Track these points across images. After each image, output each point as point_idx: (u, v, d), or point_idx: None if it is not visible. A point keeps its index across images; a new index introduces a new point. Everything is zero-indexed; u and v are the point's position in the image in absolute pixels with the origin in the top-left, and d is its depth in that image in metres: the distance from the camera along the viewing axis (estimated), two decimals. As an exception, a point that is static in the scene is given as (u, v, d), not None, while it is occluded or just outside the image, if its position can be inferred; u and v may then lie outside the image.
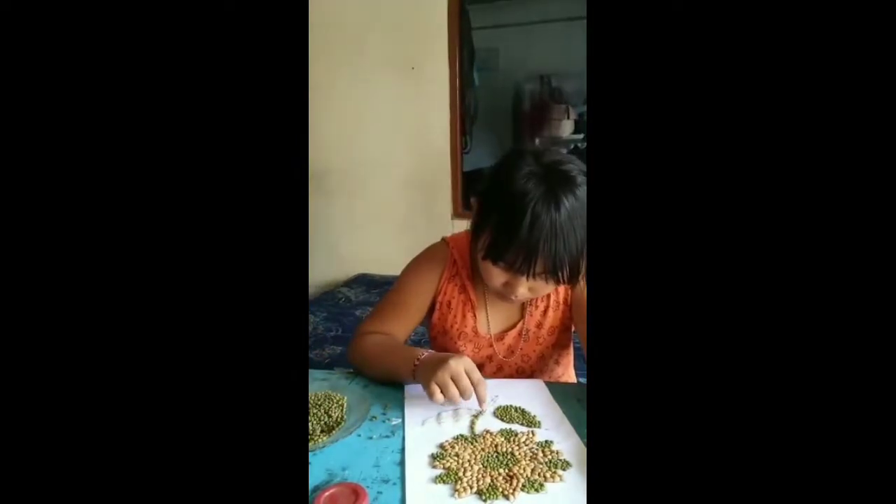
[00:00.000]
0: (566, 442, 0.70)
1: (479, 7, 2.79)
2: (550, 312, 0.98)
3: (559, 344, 1.02)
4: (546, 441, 0.70)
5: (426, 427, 0.74)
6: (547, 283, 0.83)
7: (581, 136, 2.86)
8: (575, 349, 1.09)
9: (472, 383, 0.75)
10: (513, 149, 0.89)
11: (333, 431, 0.73)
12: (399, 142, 2.93)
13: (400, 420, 0.76)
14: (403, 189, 2.98)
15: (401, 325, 0.98)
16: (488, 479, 0.61)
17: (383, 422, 0.76)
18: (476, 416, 0.76)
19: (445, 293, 0.99)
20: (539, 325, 0.99)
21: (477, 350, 0.99)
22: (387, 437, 0.72)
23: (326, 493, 0.57)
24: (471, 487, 0.60)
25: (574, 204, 0.77)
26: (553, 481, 0.61)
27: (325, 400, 0.80)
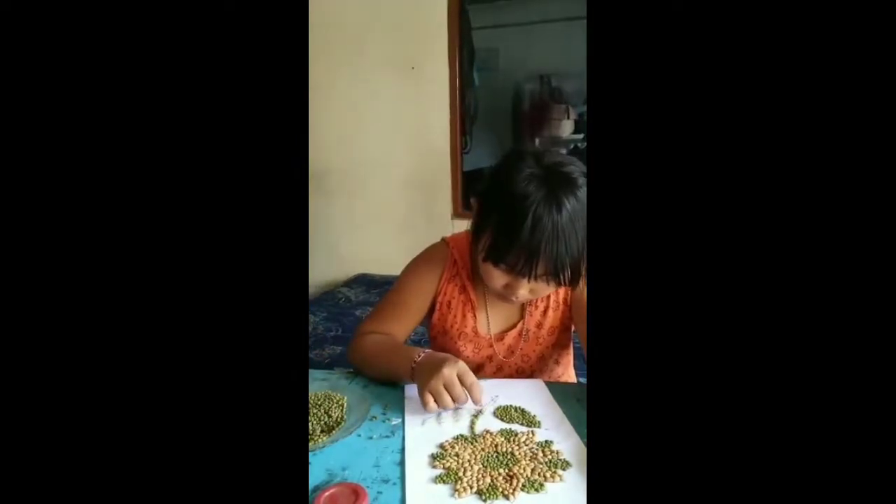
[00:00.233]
0: (566, 442, 0.70)
1: (479, 7, 2.79)
2: (550, 312, 0.98)
3: (559, 344, 1.02)
4: (546, 441, 0.70)
5: (426, 427, 0.74)
6: (548, 284, 0.83)
7: (581, 136, 2.85)
8: (575, 349, 1.09)
9: (466, 387, 0.75)
10: (513, 149, 0.89)
11: (333, 431, 0.73)
12: (399, 142, 2.93)
13: (400, 420, 0.76)
14: (403, 189, 2.97)
15: (401, 325, 0.98)
16: (488, 479, 0.61)
17: (383, 422, 0.76)
18: (476, 416, 0.76)
19: (445, 293, 0.99)
20: (539, 326, 0.99)
21: (477, 350, 0.99)
22: (387, 437, 0.72)
23: (326, 493, 0.57)
24: (471, 487, 0.60)
25: (575, 206, 0.77)
26: (553, 481, 0.61)
27: (325, 400, 0.80)
